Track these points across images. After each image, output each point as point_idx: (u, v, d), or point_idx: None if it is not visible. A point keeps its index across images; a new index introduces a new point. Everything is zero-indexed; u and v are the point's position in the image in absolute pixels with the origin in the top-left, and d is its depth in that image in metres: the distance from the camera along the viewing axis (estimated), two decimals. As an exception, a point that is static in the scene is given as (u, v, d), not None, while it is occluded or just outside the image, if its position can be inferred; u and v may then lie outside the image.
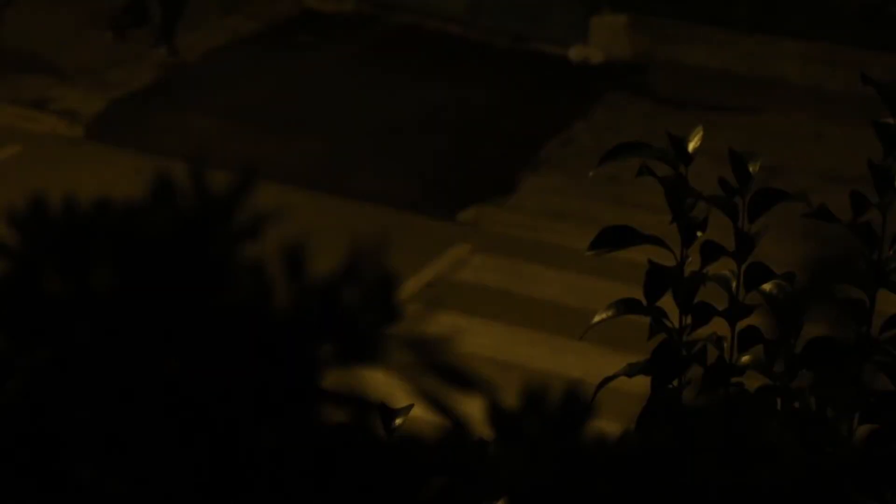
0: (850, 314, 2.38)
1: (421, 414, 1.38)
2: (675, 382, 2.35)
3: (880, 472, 1.94)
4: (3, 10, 14.32)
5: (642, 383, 2.36)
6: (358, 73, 13.44)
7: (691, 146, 2.35)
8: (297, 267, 1.08)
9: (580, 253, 2.62)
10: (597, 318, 2.42)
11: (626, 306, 2.38)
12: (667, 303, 2.35)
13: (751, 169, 2.37)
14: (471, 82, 13.48)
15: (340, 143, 12.43)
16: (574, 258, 10.25)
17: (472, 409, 1.16)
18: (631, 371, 2.36)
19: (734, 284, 2.37)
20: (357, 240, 1.11)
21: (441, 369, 1.09)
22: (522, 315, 10.18)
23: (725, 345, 2.36)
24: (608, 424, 1.22)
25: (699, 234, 2.36)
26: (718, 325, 2.38)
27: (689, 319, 2.35)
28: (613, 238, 2.39)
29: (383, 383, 1.19)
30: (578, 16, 14.12)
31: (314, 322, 1.07)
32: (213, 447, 1.06)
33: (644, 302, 2.34)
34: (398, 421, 1.98)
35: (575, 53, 13.99)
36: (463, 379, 1.09)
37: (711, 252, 2.36)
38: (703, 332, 2.37)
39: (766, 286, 2.35)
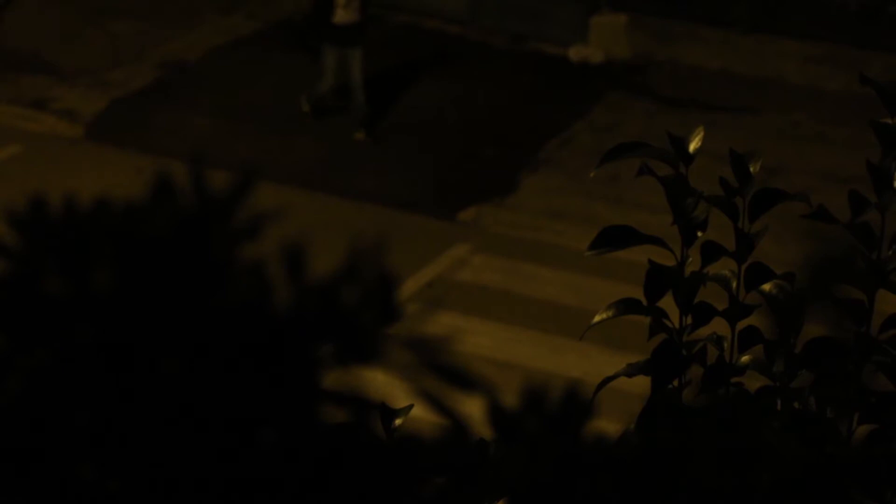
0: (849, 314, 2.38)
1: (421, 414, 1.38)
2: (675, 382, 2.34)
3: (880, 471, 1.94)
4: (3, 10, 14.32)
5: (642, 383, 2.36)
6: (358, 73, 13.42)
7: (692, 146, 2.35)
8: (297, 267, 1.08)
9: (580, 253, 2.62)
10: (597, 318, 2.42)
11: (626, 306, 2.38)
12: (667, 303, 2.35)
13: (751, 169, 2.37)
14: (471, 82, 13.48)
15: (340, 143, 12.43)
16: (574, 258, 10.26)
17: (472, 409, 1.16)
18: (631, 371, 2.36)
19: (734, 284, 2.37)
20: (357, 240, 1.11)
21: (441, 369, 1.09)
22: (522, 315, 10.18)
23: (725, 345, 2.36)
24: (608, 424, 1.22)
25: (699, 234, 2.35)
26: (718, 325, 2.38)
27: (689, 319, 2.35)
28: (613, 238, 2.38)
29: (383, 383, 1.19)
30: (578, 16, 14.12)
31: (314, 322, 1.07)
32: (214, 447, 1.06)
33: (644, 302, 2.34)
34: (398, 421, 1.98)
35: (575, 53, 13.98)
36: (463, 379, 1.10)
37: (712, 252, 2.36)
38: (703, 332, 2.37)
39: (766, 286, 2.35)
